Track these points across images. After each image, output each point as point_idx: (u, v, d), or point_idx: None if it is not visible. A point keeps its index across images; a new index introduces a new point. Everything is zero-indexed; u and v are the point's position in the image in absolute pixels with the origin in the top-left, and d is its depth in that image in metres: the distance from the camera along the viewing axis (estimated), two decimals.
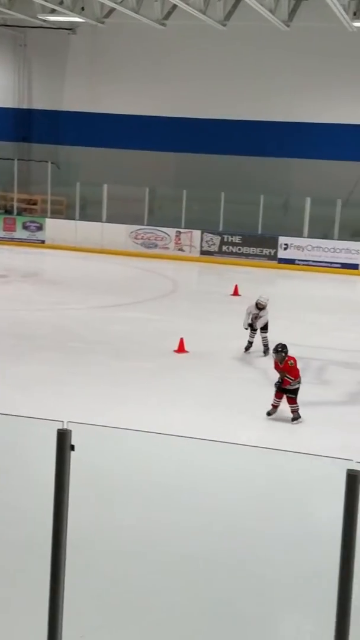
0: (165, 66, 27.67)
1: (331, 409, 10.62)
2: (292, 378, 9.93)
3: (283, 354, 10.00)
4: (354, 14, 22.21)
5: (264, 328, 13.22)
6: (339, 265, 24.14)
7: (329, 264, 24.22)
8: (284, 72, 26.43)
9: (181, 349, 12.88)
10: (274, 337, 14.25)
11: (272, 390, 10.54)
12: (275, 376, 10.13)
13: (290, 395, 9.97)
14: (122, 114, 28.51)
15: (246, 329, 13.20)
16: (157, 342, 13.63)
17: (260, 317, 13.12)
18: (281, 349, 10.07)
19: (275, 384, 10.10)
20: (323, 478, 4.86)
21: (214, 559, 5.18)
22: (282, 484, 5.86)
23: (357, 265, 24.01)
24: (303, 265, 24.38)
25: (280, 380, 9.99)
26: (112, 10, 25.28)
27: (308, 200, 24.84)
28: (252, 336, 13.28)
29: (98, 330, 14.51)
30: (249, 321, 13.18)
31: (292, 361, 9.97)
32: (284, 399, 10.03)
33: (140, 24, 24.93)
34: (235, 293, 18.99)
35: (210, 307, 17.52)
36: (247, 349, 13.33)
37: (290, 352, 10.15)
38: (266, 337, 13.11)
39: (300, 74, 26.32)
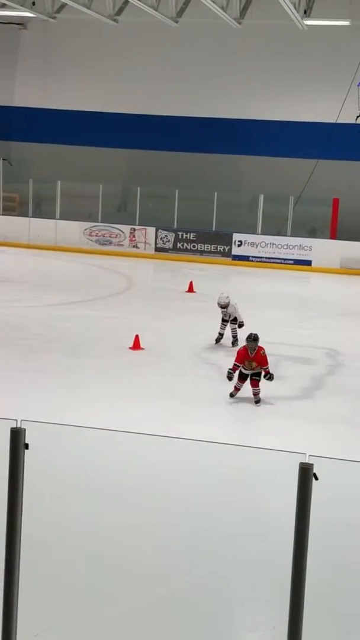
0: (117, 62, 27.57)
1: (286, 404, 10.72)
2: (266, 366, 10.38)
3: (257, 343, 10.36)
4: (305, 12, 22.46)
5: (234, 320, 13.51)
6: (292, 262, 24.38)
7: (282, 261, 24.45)
8: (236, 70, 26.57)
9: (136, 345, 12.86)
10: (229, 332, 14.34)
11: (228, 386, 10.63)
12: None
13: (255, 378, 10.43)
14: (74, 110, 28.34)
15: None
16: (112, 339, 13.60)
17: (228, 313, 13.43)
18: (254, 338, 10.41)
19: (228, 374, 10.52)
20: (277, 471, 4.91)
21: (170, 554, 5.20)
22: (237, 477, 5.90)
23: (310, 261, 24.27)
24: (257, 261, 24.57)
25: (251, 368, 10.34)
26: (63, 5, 25.14)
27: (261, 197, 25.03)
28: (222, 328, 13.61)
29: (52, 327, 14.41)
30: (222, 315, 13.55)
31: (263, 351, 10.40)
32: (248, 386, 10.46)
33: (92, 19, 24.83)
34: (190, 290, 19.04)
35: (165, 304, 17.54)
36: (217, 340, 13.62)
37: None
38: (235, 328, 13.41)
39: (252, 72, 26.48)
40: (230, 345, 13.24)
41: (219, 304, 13.44)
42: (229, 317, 13.49)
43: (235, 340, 13.25)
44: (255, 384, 10.41)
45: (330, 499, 4.44)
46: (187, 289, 19.07)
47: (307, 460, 3.69)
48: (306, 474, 3.67)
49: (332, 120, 24.93)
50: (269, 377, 10.45)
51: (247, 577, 5.01)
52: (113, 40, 27.15)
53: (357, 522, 5.52)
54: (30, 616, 4.45)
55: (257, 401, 10.43)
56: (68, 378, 11.28)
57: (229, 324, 13.53)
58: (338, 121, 24.74)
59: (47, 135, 28.23)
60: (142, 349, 12.83)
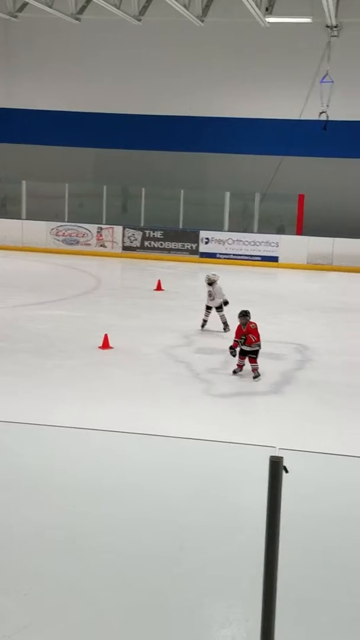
0: (81, 61, 27.48)
1: (256, 399, 10.78)
2: (255, 337, 11.48)
3: (248, 318, 11.57)
4: (267, 9, 22.58)
5: (219, 307, 14.40)
6: (259, 258, 24.52)
7: (249, 257, 24.57)
8: (200, 67, 26.62)
9: (105, 345, 12.84)
10: (199, 329, 14.39)
11: (199, 384, 10.67)
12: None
13: (251, 356, 11.56)
14: (39, 110, 28.19)
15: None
16: (81, 339, 13.55)
17: (213, 293, 14.37)
18: (245, 314, 11.65)
19: (230, 352, 11.64)
20: (248, 465, 4.95)
21: (144, 552, 5.20)
22: (209, 472, 5.92)
23: (277, 257, 24.43)
24: (224, 258, 24.66)
25: (243, 339, 11.47)
26: (25, 4, 24.96)
27: (227, 195, 25.14)
28: (207, 315, 14.54)
29: (21, 328, 14.32)
30: (206, 301, 14.55)
31: (254, 324, 11.62)
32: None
33: (55, 18, 24.71)
34: (159, 288, 19.05)
35: (134, 303, 17.53)
36: (202, 326, 14.55)
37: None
38: (223, 314, 14.35)
39: (215, 69, 26.56)
40: (222, 331, 14.20)
41: (207, 278, 14.49)
42: (213, 297, 14.33)
43: (226, 326, 14.25)
44: (252, 360, 11.50)
45: (301, 491, 4.49)
46: (155, 287, 19.08)
47: (277, 453, 3.72)
48: (276, 467, 3.70)
49: (296, 117, 25.11)
50: (241, 344, 11.51)
51: (221, 572, 5.04)
52: (76, 39, 27.05)
53: (327, 513, 5.58)
54: (3, 617, 4.43)
55: (256, 376, 11.46)
56: (38, 379, 11.22)
57: (214, 311, 14.39)
58: (302, 118, 24.93)
59: (11, 135, 28.03)
60: (112, 348, 12.81)
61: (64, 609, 4.65)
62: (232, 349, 11.64)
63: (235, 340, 11.60)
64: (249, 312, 11.69)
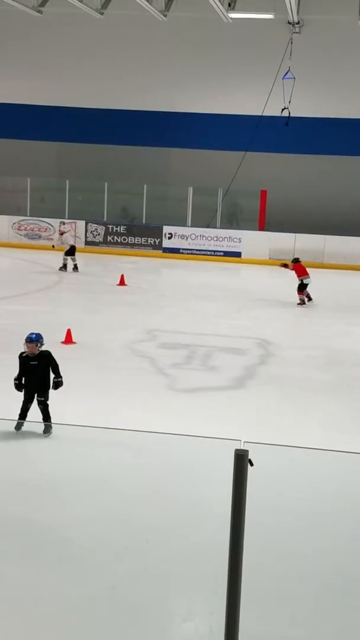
0: (43, 54, 27.23)
1: (219, 394, 10.82)
2: (303, 272, 17.09)
3: (298, 259, 17.86)
4: (229, 5, 22.62)
5: (70, 252, 20.50)
6: (222, 254, 24.59)
7: (212, 252, 24.63)
8: (163, 62, 26.57)
9: (68, 340, 12.77)
10: (162, 324, 14.40)
11: (161, 377, 10.70)
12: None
13: (301, 289, 17.09)
14: (0, 103, 27.88)
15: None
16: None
17: (64, 241, 20.80)
18: (297, 259, 17.85)
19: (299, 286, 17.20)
20: (213, 459, 4.95)
21: (106, 546, 5.20)
22: (174, 466, 5.94)
23: (240, 253, 24.52)
24: (187, 254, 24.68)
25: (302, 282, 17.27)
26: None
27: (190, 190, 25.15)
28: (65, 260, 20.59)
29: None
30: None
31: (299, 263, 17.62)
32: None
33: (17, 10, 24.44)
34: (122, 283, 19.00)
35: (96, 298, 17.46)
36: (60, 269, 20.51)
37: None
38: (74, 258, 20.59)
39: (179, 64, 26.53)
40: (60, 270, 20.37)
41: (59, 230, 21.64)
42: (62, 243, 20.70)
43: (63, 267, 20.52)
44: (301, 293, 17.07)
45: (265, 484, 4.52)
46: (118, 282, 19.02)
47: (242, 446, 3.74)
48: (241, 460, 3.72)
49: (259, 113, 25.20)
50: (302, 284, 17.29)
51: (184, 565, 5.06)
52: (39, 32, 26.79)
53: (291, 505, 5.64)
54: None
55: (300, 304, 17.08)
56: (0, 374, 11.09)
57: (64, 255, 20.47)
58: (264, 114, 25.03)
59: None
60: (75, 343, 12.75)
61: (24, 605, 4.63)
62: (301, 301, 17.14)
63: (300, 290, 17.05)
64: (299, 258, 18.09)
